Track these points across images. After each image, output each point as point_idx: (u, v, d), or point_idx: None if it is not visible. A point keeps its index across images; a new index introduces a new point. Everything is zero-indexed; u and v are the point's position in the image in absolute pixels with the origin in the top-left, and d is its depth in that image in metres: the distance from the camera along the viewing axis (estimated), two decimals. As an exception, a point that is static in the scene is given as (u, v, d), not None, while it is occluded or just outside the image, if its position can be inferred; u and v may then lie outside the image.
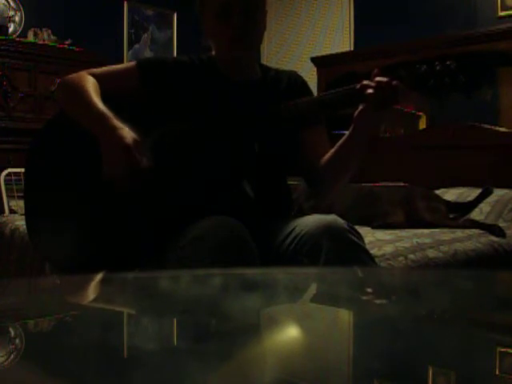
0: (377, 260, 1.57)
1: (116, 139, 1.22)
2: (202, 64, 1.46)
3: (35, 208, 1.41)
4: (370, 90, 1.25)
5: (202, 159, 1.35)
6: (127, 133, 1.23)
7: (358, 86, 1.28)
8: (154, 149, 1.34)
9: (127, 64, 1.49)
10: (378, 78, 1.26)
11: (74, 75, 1.40)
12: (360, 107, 1.30)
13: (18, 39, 4.21)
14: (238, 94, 1.42)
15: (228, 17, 1.34)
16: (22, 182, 3.52)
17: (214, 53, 1.47)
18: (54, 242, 1.37)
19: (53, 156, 1.41)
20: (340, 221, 1.28)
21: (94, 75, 1.40)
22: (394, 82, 1.24)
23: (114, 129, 1.24)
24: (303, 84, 1.51)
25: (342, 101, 1.33)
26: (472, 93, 1.23)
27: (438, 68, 1.24)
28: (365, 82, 1.27)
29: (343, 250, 1.23)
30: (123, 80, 1.42)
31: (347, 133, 1.35)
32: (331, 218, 1.29)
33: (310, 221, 1.31)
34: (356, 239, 1.26)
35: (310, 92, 1.51)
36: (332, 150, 1.40)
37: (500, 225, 2.41)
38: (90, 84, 1.35)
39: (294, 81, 1.50)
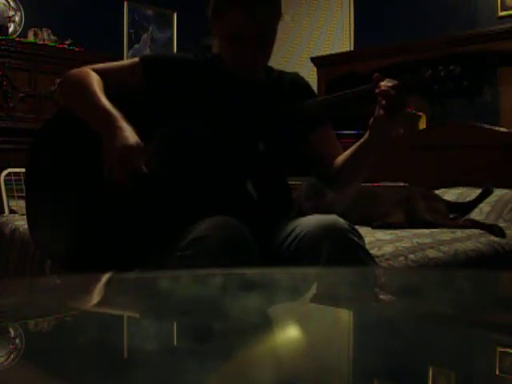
0: (377, 260, 1.57)
1: (119, 141, 1.21)
2: (207, 62, 1.45)
3: (36, 206, 1.41)
4: (382, 90, 1.25)
5: (205, 159, 1.34)
6: (131, 135, 1.23)
7: (371, 86, 1.28)
8: (156, 148, 1.34)
9: (130, 60, 1.47)
10: (385, 82, 1.26)
11: (76, 71, 1.38)
12: (374, 115, 1.30)
13: (17, 39, 4.21)
14: (242, 92, 1.42)
15: (239, 42, 1.32)
16: (22, 182, 3.52)
17: (218, 51, 1.45)
18: (55, 240, 1.37)
19: (53, 154, 1.41)
20: (340, 221, 1.28)
21: (96, 71, 1.38)
22: (400, 86, 1.25)
23: (118, 129, 1.23)
24: (307, 86, 1.52)
25: (352, 102, 1.34)
26: (475, 98, 1.24)
27: (442, 73, 1.24)
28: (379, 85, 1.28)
29: (344, 250, 1.23)
30: (126, 76, 1.40)
31: (363, 138, 1.36)
32: (332, 218, 1.29)
33: (311, 221, 1.31)
34: (356, 239, 1.26)
35: (314, 94, 1.52)
36: (347, 153, 1.41)
37: (500, 225, 2.41)
38: (95, 81, 1.34)
39: (297, 83, 1.50)
